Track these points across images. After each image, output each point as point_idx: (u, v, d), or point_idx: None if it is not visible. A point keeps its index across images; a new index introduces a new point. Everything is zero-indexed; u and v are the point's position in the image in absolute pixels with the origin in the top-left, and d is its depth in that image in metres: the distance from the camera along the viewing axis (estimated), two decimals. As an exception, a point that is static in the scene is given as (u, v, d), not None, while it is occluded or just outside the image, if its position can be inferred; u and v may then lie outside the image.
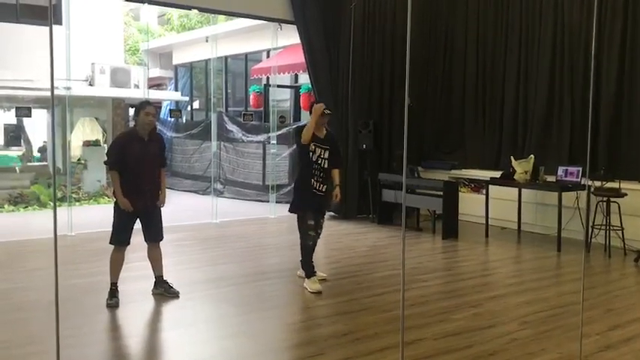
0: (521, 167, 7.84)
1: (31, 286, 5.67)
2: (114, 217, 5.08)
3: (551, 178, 7.78)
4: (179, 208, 11.25)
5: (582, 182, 7.45)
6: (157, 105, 16.21)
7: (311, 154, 5.59)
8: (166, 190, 5.37)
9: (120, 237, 5.05)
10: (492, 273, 6.60)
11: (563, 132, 8.50)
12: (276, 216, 9.89)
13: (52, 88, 2.44)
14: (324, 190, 5.66)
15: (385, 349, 4.05)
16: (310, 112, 5.69)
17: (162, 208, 5.29)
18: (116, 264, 5.08)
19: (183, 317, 4.90)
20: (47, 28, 2.30)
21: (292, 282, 5.81)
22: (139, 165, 5.00)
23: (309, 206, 5.58)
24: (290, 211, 5.69)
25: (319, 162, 5.61)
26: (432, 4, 10.29)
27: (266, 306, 5.10)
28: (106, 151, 5.26)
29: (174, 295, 5.23)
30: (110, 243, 5.09)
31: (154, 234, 5.22)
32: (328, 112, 5.66)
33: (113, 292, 5.05)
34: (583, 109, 8.22)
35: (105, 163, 5.18)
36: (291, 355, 4.14)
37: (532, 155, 7.94)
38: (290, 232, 8.46)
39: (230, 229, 8.96)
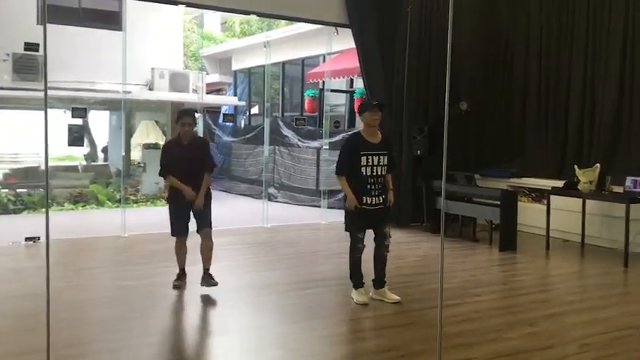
0: (586, 177, 7.41)
1: (80, 285, 5.75)
2: (169, 213, 5.60)
3: (618, 189, 7.31)
4: (233, 211, 11.33)
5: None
6: (216, 109, 16.49)
7: (364, 168, 5.04)
8: (211, 192, 5.59)
9: (175, 228, 5.55)
10: (552, 289, 6.21)
11: (632, 140, 8.00)
12: (327, 222, 9.76)
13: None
14: (381, 202, 5.15)
15: (431, 367, 3.83)
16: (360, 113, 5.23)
17: (214, 209, 5.59)
18: (179, 253, 5.61)
19: (225, 325, 4.82)
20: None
21: (338, 292, 5.62)
22: (182, 166, 5.40)
23: (360, 224, 5.14)
24: (346, 229, 5.24)
25: (375, 172, 5.08)
26: (494, 7, 9.94)
27: (309, 316, 4.94)
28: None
29: (210, 285, 5.39)
30: (172, 234, 5.59)
31: (202, 223, 5.51)
32: (375, 102, 5.24)
33: (179, 275, 5.61)
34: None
35: (160, 174, 5.67)
36: (332, 369, 3.98)
37: (598, 164, 7.49)
38: (339, 239, 8.31)
39: (280, 234, 8.89)
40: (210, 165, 5.66)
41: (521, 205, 8.38)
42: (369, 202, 5.10)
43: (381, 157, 5.13)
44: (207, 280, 5.43)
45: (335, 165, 5.27)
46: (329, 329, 4.68)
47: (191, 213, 5.50)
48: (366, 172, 5.07)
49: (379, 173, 5.12)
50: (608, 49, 8.32)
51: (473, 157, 9.64)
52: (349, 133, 11.77)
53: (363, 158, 5.06)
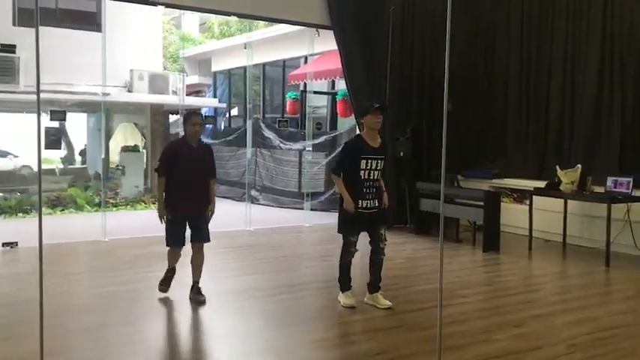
0: (568, 177, 7.48)
1: (62, 292, 5.60)
2: (167, 222, 5.24)
3: (599, 189, 7.39)
4: (215, 213, 11.19)
5: (633, 194, 7.03)
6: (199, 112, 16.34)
7: (362, 172, 4.98)
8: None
9: (172, 240, 5.26)
10: (536, 289, 6.24)
11: (612, 140, 8.07)
12: (310, 224, 9.71)
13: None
14: (376, 205, 5.10)
15: (421, 371, 3.81)
16: (357, 119, 5.17)
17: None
18: (173, 257, 5.36)
19: (210, 331, 4.76)
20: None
21: (324, 295, 5.59)
22: (190, 171, 5.14)
23: (354, 228, 5.07)
24: (338, 231, 5.15)
25: (371, 177, 5.02)
26: (475, 7, 9.98)
27: (296, 321, 4.89)
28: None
29: (200, 303, 5.18)
30: (166, 245, 5.31)
31: (199, 236, 5.28)
32: (377, 105, 5.04)
33: (168, 276, 5.36)
34: (634, 115, 7.80)
35: (155, 170, 5.38)
36: (321, 374, 3.93)
37: (579, 165, 7.57)
38: (324, 242, 8.30)
39: (263, 237, 8.81)
40: (214, 171, 5.45)
41: (504, 206, 8.42)
42: (364, 205, 5.04)
43: (379, 161, 5.07)
44: (196, 297, 5.22)
45: (333, 165, 5.26)
46: (316, 333, 4.64)
47: (187, 223, 5.27)
48: (363, 175, 5.00)
49: (375, 177, 5.07)
50: (587, 51, 8.40)
51: (455, 158, 9.64)
52: (331, 135, 11.78)
53: (363, 162, 4.98)
